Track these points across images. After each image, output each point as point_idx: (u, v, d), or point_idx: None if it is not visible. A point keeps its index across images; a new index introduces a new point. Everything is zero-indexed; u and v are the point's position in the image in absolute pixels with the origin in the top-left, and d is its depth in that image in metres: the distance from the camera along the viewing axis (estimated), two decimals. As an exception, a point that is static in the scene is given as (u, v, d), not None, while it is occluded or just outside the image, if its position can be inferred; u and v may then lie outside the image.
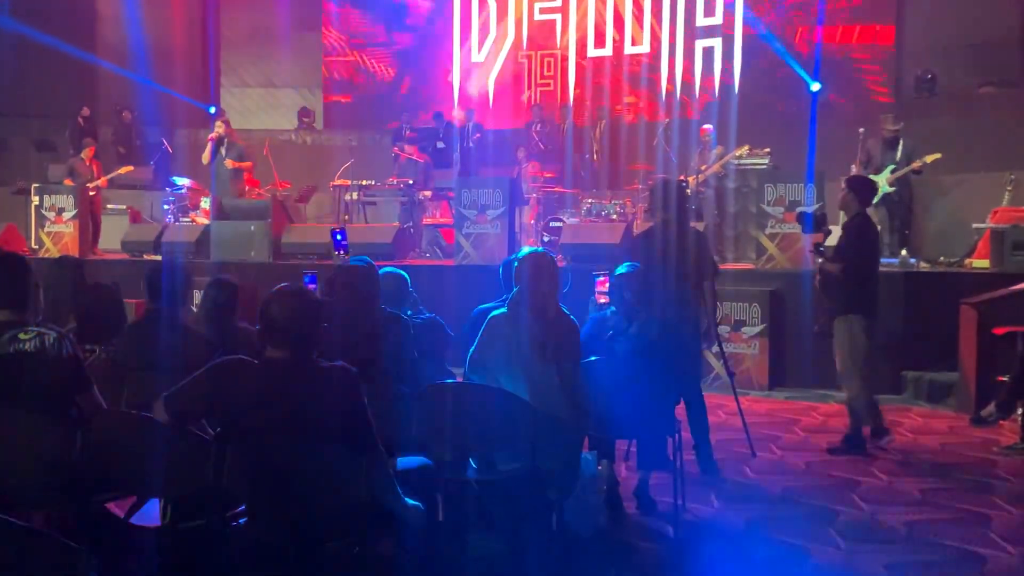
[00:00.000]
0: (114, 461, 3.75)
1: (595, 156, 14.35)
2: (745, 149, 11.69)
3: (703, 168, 11.87)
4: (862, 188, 6.91)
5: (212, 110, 18.25)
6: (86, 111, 16.19)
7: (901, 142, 10.56)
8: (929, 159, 10.32)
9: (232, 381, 3.41)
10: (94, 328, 5.05)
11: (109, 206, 14.07)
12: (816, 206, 8.75)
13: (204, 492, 3.48)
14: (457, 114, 14.59)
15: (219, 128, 13.09)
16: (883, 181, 10.39)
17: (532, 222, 12.69)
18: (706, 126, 12.50)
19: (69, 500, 3.71)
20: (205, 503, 3.52)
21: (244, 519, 3.55)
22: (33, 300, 4.05)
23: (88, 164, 13.35)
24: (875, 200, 10.43)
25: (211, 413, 3.55)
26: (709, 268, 6.44)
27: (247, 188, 13.30)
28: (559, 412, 4.46)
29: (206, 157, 13.02)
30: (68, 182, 13.09)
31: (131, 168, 14.05)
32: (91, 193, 12.94)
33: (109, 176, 13.47)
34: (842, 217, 7.43)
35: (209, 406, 3.49)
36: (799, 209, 8.64)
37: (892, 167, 10.46)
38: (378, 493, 3.45)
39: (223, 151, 12.94)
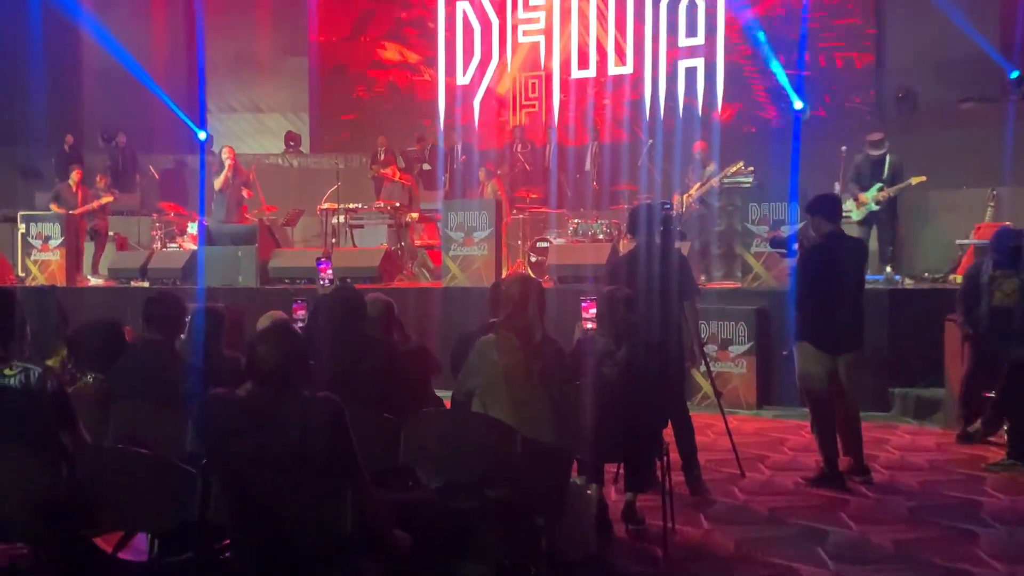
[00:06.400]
0: (100, 495, 3.74)
1: (593, 175, 14.29)
2: (740, 164, 11.63)
3: (693, 186, 11.86)
4: (823, 205, 6.49)
5: (203, 136, 18.25)
6: (70, 139, 16.22)
7: (888, 159, 10.61)
8: (914, 181, 10.35)
9: (216, 416, 3.41)
10: (89, 357, 5.00)
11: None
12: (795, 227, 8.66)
13: (191, 526, 3.47)
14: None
15: (229, 156, 12.96)
16: (870, 199, 10.44)
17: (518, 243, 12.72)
18: (699, 143, 12.47)
19: (56, 535, 3.70)
20: (192, 537, 3.51)
21: (230, 552, 3.54)
22: (19, 335, 4.05)
23: (74, 191, 13.34)
24: (860, 217, 10.55)
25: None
26: (690, 288, 6.42)
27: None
28: (547, 437, 4.46)
29: (219, 183, 12.84)
30: (54, 207, 13.07)
31: (111, 198, 13.92)
32: (90, 209, 13.25)
33: (92, 205, 13.44)
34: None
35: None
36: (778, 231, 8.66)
37: (879, 186, 10.49)
38: (364, 522, 3.45)
39: (231, 178, 12.85)
